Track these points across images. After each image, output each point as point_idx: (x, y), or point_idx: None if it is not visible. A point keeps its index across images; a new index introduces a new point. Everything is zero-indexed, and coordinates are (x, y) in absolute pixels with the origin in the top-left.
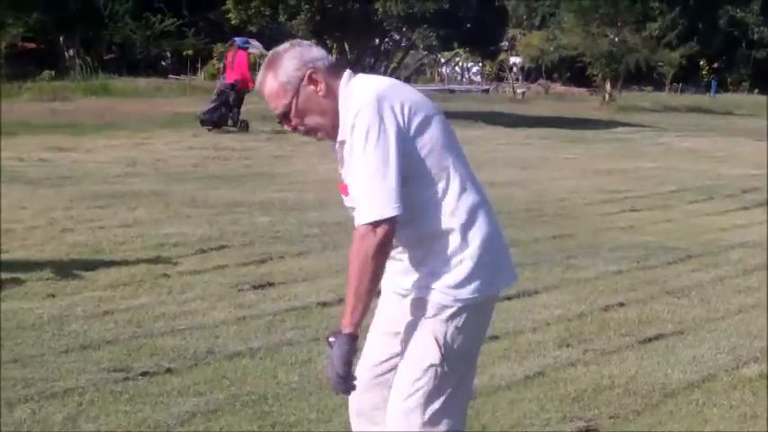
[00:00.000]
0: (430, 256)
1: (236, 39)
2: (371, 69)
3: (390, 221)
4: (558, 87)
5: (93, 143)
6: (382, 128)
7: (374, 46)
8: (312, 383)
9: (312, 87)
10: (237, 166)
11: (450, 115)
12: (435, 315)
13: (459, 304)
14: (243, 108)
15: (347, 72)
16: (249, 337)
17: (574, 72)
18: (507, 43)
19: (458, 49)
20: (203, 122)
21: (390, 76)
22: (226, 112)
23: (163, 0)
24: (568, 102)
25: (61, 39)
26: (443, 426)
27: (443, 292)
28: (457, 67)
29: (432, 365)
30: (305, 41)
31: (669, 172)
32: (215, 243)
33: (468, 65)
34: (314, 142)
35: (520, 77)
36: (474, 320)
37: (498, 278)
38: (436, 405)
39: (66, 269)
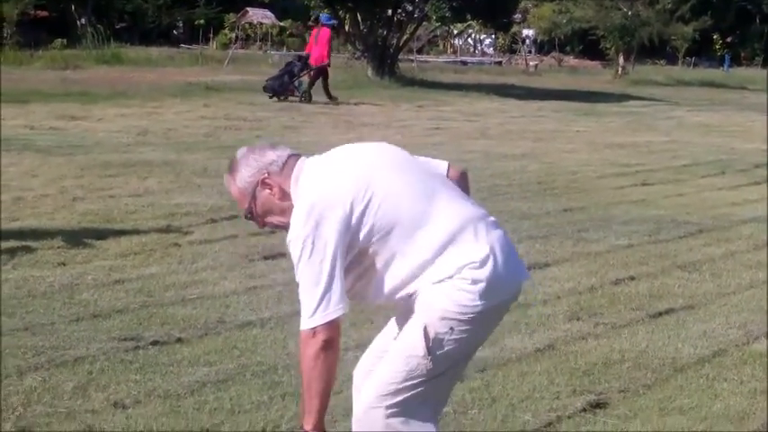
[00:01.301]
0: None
1: (320, 15)
2: (384, 41)
3: (327, 326)
4: (570, 60)
5: (104, 112)
6: (317, 236)
7: (387, 17)
8: None
9: (267, 191)
10: (249, 136)
11: (462, 87)
12: (432, 314)
13: (460, 310)
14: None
15: (296, 167)
16: (259, 307)
17: (586, 45)
18: (520, 15)
19: (470, 21)
20: (265, 89)
21: (402, 47)
22: (288, 82)
23: None
24: (581, 75)
25: (73, 7)
26: (407, 424)
27: (446, 296)
28: (470, 39)
29: (413, 356)
30: (261, 145)
31: (681, 146)
32: (226, 213)
33: (481, 37)
34: (326, 112)
35: (532, 50)
36: (470, 329)
37: (503, 288)
38: (408, 400)
39: (76, 238)
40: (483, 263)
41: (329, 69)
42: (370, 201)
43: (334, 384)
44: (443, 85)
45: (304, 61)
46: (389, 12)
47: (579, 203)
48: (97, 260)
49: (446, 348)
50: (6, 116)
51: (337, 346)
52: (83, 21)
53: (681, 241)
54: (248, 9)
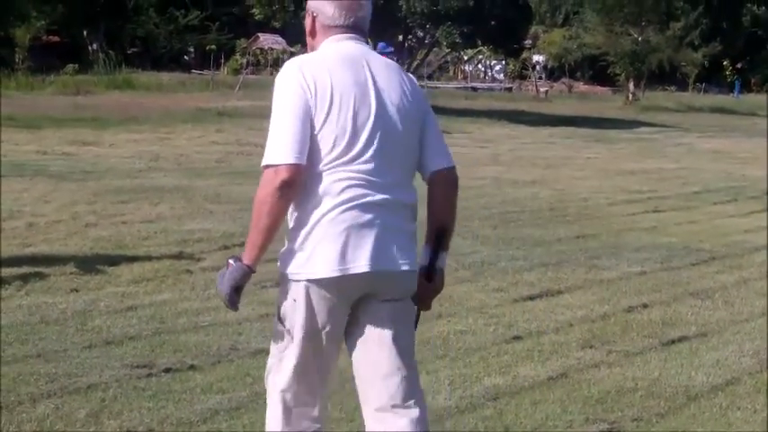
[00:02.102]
0: (288, 232)
1: (380, 44)
2: None
3: (288, 168)
4: (580, 86)
5: (116, 137)
6: (289, 89)
7: (398, 43)
8: (334, 382)
9: (309, 20)
10: (261, 161)
11: (472, 113)
12: (280, 282)
13: (294, 277)
14: None
15: (340, 36)
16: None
17: (597, 71)
18: (530, 41)
19: (481, 47)
20: None
21: (413, 73)
22: None
23: None
24: (591, 101)
25: (85, 32)
26: (273, 383)
27: (282, 262)
28: (480, 65)
29: (275, 322)
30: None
31: (692, 173)
32: (238, 239)
33: (492, 62)
34: None
35: (543, 76)
36: (307, 299)
37: (351, 263)
38: (276, 362)
39: (89, 264)
40: (309, 231)
41: None
42: (328, 113)
43: (278, 228)
44: (454, 111)
45: None
46: (400, 37)
47: (591, 230)
48: (110, 286)
49: (286, 314)
50: (19, 141)
51: (293, 193)
52: (94, 46)
53: (693, 268)
54: (259, 34)
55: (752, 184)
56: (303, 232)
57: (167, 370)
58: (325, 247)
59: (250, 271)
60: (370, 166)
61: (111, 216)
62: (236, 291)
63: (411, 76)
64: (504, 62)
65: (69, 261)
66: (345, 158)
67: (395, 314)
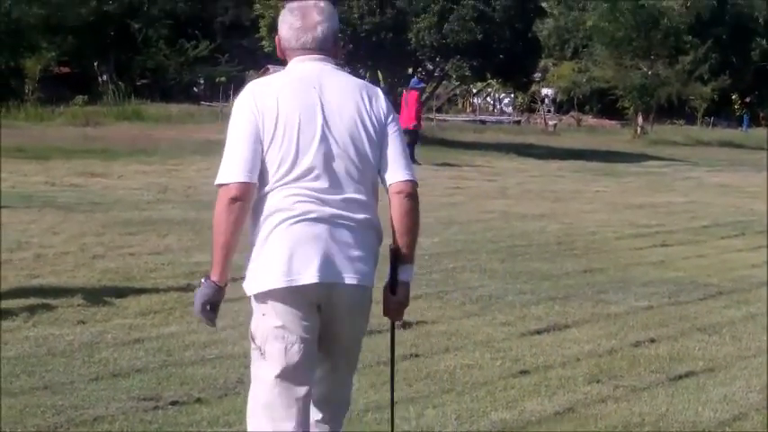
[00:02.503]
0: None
1: (412, 79)
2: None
3: (236, 186)
4: (589, 119)
5: (124, 169)
6: (241, 114)
7: (407, 75)
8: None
9: (276, 41)
10: None
11: (481, 146)
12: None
13: (252, 292)
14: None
15: (301, 59)
16: None
17: (605, 104)
18: (539, 75)
19: (490, 80)
20: None
21: (423, 105)
22: None
23: (197, 26)
24: (600, 134)
25: (95, 64)
26: (252, 397)
27: (245, 281)
28: (489, 98)
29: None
30: (308, 21)
31: (700, 207)
32: (245, 272)
33: (501, 96)
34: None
35: (552, 109)
36: (270, 311)
37: (298, 275)
38: (254, 380)
39: (96, 296)
40: (261, 247)
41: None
42: (273, 136)
43: (237, 243)
44: (463, 144)
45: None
46: (410, 70)
47: (598, 264)
48: (117, 318)
49: (255, 331)
50: (28, 172)
51: (242, 209)
52: (104, 77)
53: (701, 303)
54: (269, 66)
55: (760, 218)
56: (257, 249)
57: (174, 403)
58: (275, 260)
59: (217, 287)
60: (316, 183)
61: (118, 248)
62: (212, 308)
63: (377, 93)
64: (512, 95)
65: (77, 293)
66: (291, 177)
67: (345, 341)
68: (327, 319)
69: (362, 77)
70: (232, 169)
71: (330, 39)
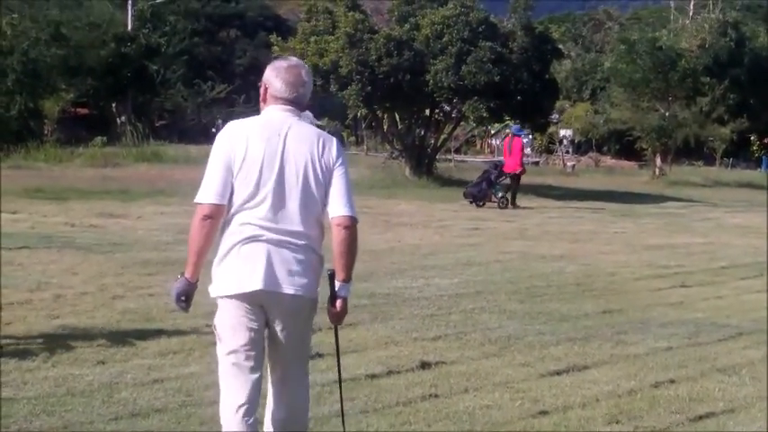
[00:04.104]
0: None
1: (513, 126)
2: (421, 140)
3: (206, 206)
4: (608, 160)
5: (143, 210)
6: (218, 147)
7: (424, 117)
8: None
9: (262, 90)
10: None
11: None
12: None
13: (213, 294)
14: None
15: (275, 108)
16: None
17: (624, 145)
18: (557, 116)
19: (508, 121)
20: (465, 195)
21: (440, 147)
22: (487, 189)
23: (214, 68)
24: (618, 175)
25: (114, 105)
26: (220, 372)
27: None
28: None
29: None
30: (292, 73)
31: (719, 248)
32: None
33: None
34: (365, 212)
35: (570, 150)
36: (231, 311)
37: (245, 283)
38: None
39: (116, 336)
40: (221, 259)
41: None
42: (241, 167)
43: (207, 250)
44: None
45: (500, 169)
46: (427, 111)
47: (617, 305)
48: (137, 359)
49: (216, 324)
50: (47, 213)
51: (211, 224)
52: (123, 118)
53: (720, 344)
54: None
55: None
56: (218, 261)
57: None
58: (230, 272)
59: (188, 282)
60: (269, 214)
61: (138, 288)
62: (186, 299)
63: (331, 142)
64: (530, 136)
65: (96, 333)
66: (250, 205)
67: (288, 339)
68: (271, 322)
69: (379, 119)
70: (206, 192)
71: (306, 97)
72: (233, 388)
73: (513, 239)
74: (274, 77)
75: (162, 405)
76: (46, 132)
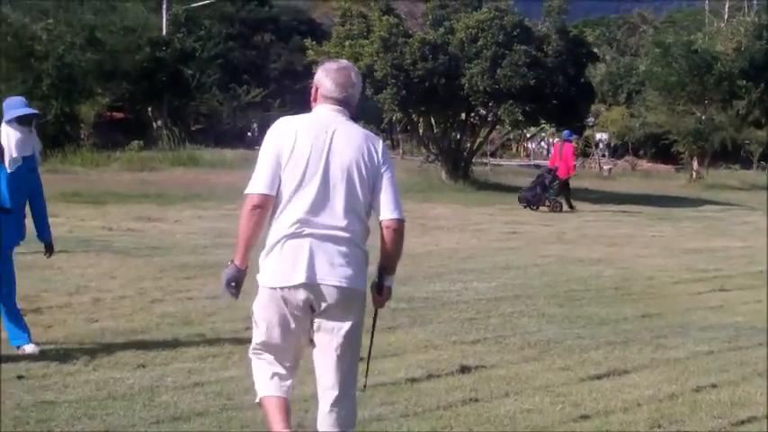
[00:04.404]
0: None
1: (564, 132)
2: (457, 144)
3: (254, 196)
4: (644, 164)
5: (180, 214)
6: (268, 140)
7: (460, 121)
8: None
9: (313, 89)
10: None
11: None
12: None
13: (259, 283)
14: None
15: (322, 108)
16: None
17: (660, 149)
18: (593, 119)
19: (544, 125)
20: (520, 199)
21: (476, 151)
22: (541, 193)
23: (249, 72)
24: (655, 179)
25: (150, 109)
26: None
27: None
28: (543, 143)
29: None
30: (342, 74)
31: (758, 251)
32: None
33: (554, 140)
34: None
35: (606, 153)
36: (271, 302)
37: (289, 276)
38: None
39: (155, 339)
40: (267, 252)
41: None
42: (288, 160)
43: (256, 239)
44: (518, 189)
45: (553, 174)
46: (463, 115)
47: (657, 309)
48: (176, 362)
49: (254, 309)
50: (85, 217)
51: (260, 214)
52: (159, 123)
53: (761, 348)
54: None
55: None
56: (265, 253)
57: None
58: (274, 265)
59: (237, 268)
60: (313, 207)
61: (176, 292)
62: (236, 285)
63: (378, 144)
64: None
65: (136, 336)
66: (296, 198)
67: (339, 332)
68: (319, 320)
69: (414, 123)
70: (256, 183)
71: (354, 99)
72: (262, 380)
73: (550, 243)
74: (325, 78)
75: (203, 408)
76: (82, 137)
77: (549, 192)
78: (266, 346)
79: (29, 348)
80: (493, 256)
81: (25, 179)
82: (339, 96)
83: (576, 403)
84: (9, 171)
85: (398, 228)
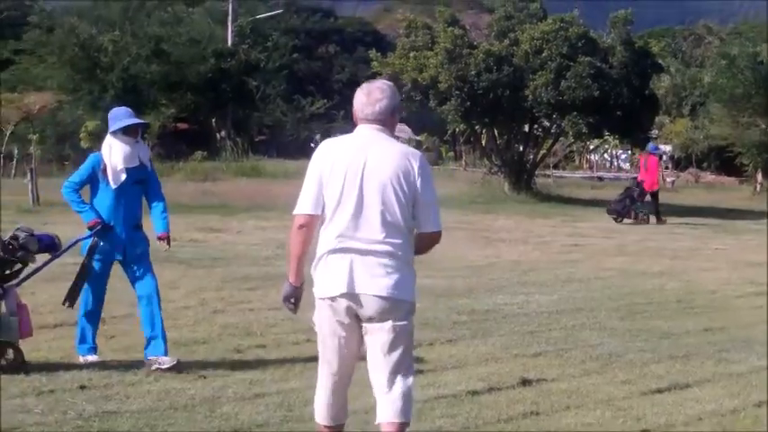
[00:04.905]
0: None
1: (649, 145)
2: (520, 156)
3: (301, 216)
4: (707, 176)
5: (243, 225)
6: (313, 162)
7: (524, 132)
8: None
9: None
10: None
11: (599, 203)
12: None
13: (314, 294)
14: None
15: (362, 128)
16: None
17: (724, 161)
18: (656, 131)
19: (607, 137)
20: (609, 212)
21: (539, 163)
22: (629, 205)
23: (313, 83)
24: (718, 191)
25: (213, 120)
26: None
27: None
28: (606, 155)
29: None
30: (381, 97)
31: None
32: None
33: (618, 152)
34: (463, 227)
35: (669, 165)
36: (321, 312)
37: (334, 287)
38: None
39: (217, 350)
40: (315, 266)
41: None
42: (329, 180)
43: (304, 255)
44: (580, 201)
45: (641, 187)
46: (526, 127)
47: (719, 323)
48: (237, 373)
49: (315, 318)
50: (147, 227)
51: (306, 232)
52: (222, 133)
53: None
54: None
55: None
56: (313, 267)
57: None
58: (322, 277)
59: (292, 286)
60: (351, 223)
61: (238, 303)
62: (295, 302)
63: (415, 160)
64: (630, 152)
65: (198, 347)
66: (336, 216)
67: (386, 337)
68: (366, 328)
69: (478, 135)
70: (301, 203)
71: (386, 113)
72: (322, 381)
73: (612, 256)
74: (357, 99)
75: (263, 420)
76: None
77: (637, 204)
78: (323, 355)
79: (91, 358)
80: (555, 268)
81: (128, 193)
82: (371, 114)
83: (637, 417)
84: (114, 186)
85: (435, 239)
